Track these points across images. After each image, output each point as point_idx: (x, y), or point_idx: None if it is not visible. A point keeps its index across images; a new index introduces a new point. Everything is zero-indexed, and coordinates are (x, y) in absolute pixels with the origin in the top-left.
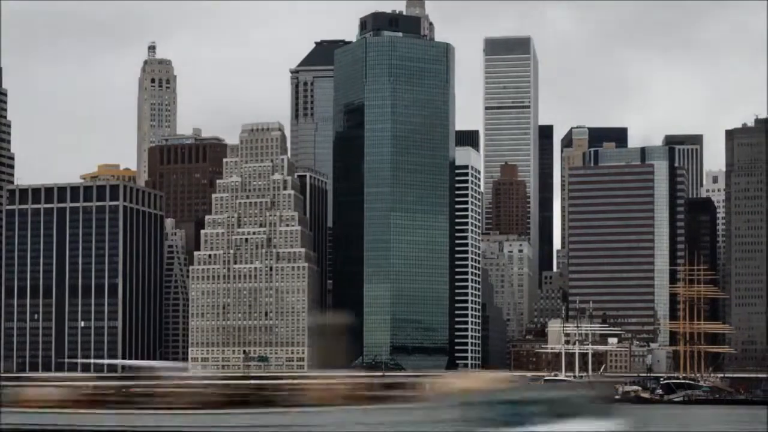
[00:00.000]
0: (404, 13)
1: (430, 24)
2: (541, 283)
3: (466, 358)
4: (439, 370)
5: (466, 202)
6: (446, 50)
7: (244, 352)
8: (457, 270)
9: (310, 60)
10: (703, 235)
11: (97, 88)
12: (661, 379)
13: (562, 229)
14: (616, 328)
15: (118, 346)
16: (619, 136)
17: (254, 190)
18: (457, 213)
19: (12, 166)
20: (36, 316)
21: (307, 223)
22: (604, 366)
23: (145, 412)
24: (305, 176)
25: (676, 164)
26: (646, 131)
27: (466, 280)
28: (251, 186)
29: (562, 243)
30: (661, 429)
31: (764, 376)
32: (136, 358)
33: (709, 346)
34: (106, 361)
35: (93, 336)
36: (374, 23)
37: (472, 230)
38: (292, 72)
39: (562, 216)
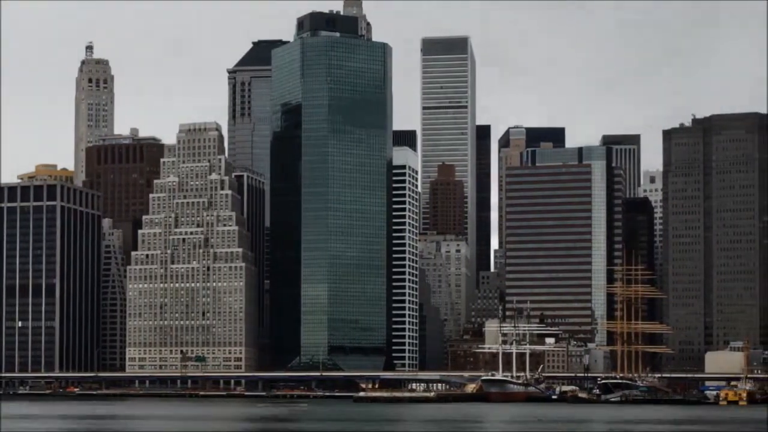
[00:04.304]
0: (341, 13)
1: (368, 24)
2: (479, 283)
3: (403, 358)
4: (376, 370)
5: (404, 202)
6: (383, 50)
7: (182, 352)
8: (394, 270)
9: (247, 60)
10: (641, 235)
11: (34, 87)
12: (599, 379)
13: (500, 229)
14: (553, 328)
15: (56, 346)
16: (556, 136)
17: (191, 190)
18: (394, 213)
19: None
20: None
21: (245, 223)
22: (542, 366)
23: None
24: (243, 176)
25: (614, 164)
26: (583, 131)
27: (404, 280)
28: (188, 186)
29: (500, 243)
30: None
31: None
32: (73, 358)
33: (646, 346)
34: None
35: (30, 336)
36: (311, 23)
37: (409, 230)
38: (229, 72)
39: (500, 216)
